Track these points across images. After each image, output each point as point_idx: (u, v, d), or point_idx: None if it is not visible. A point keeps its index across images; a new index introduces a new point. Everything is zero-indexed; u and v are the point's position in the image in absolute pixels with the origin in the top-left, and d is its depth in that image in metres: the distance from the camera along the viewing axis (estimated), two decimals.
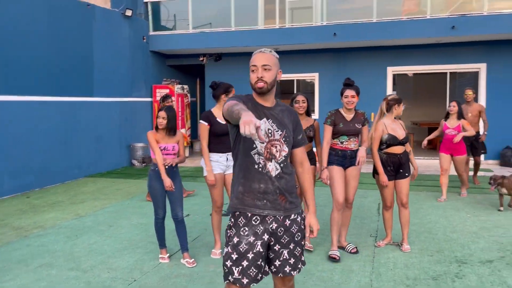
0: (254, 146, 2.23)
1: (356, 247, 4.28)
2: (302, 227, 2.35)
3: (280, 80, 11.05)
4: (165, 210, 4.09)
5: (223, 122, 4.04)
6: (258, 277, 2.24)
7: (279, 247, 2.27)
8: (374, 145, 4.20)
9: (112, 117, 9.94)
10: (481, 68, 10.20)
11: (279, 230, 2.26)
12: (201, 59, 11.84)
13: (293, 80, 11.60)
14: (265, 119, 2.25)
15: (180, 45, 11.14)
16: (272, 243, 2.28)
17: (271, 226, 2.25)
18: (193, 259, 4.02)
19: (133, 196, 7.02)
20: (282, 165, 2.27)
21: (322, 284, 3.53)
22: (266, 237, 2.24)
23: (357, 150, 4.14)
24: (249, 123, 1.78)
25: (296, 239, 2.31)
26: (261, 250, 2.22)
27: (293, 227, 2.30)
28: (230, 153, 4.07)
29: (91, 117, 9.24)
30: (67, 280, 3.69)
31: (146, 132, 10.62)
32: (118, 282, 3.62)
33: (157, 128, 4.00)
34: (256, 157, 2.24)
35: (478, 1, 9.59)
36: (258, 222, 2.24)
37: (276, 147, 2.25)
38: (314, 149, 4.40)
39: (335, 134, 4.08)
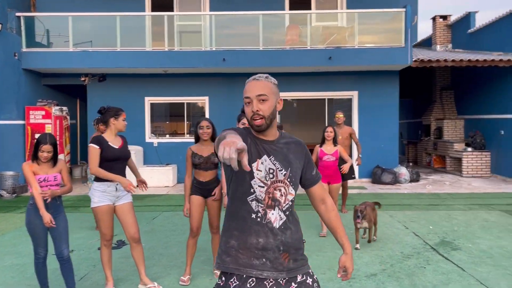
0: (252, 190, 1.83)
1: None
2: None
3: (169, 103, 10.77)
4: (47, 248, 3.66)
5: (116, 146, 3.80)
6: None
7: None
8: None
9: None
10: (354, 95, 11.32)
11: None
12: (82, 79, 11.08)
13: (183, 103, 11.50)
14: (265, 156, 1.86)
15: (58, 64, 10.29)
16: None
17: None
18: None
19: (4, 233, 6.16)
20: (287, 212, 1.87)
21: None
22: None
23: None
24: (230, 145, 1.45)
25: None
26: None
27: None
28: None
29: None
30: None
31: (16, 158, 9.59)
32: None
33: (34, 158, 3.58)
34: (254, 204, 1.83)
35: (350, 36, 10.68)
36: (253, 284, 1.81)
37: (280, 190, 1.85)
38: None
39: None
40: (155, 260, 4.86)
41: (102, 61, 10.31)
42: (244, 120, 4.15)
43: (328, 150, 5.78)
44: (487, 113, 12.00)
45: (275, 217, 1.84)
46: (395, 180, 10.63)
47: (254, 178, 1.84)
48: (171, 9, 11.67)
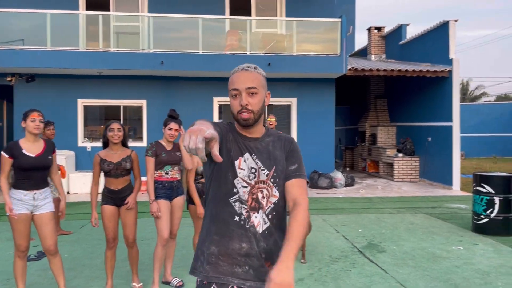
0: (235, 190, 1.68)
1: (182, 280, 4.22)
2: None
3: (104, 106, 10.36)
4: None
5: (32, 155, 3.56)
6: None
7: None
8: (190, 176, 4.17)
9: None
10: (292, 101, 11.53)
11: None
12: (8, 79, 10.39)
13: (119, 107, 11.12)
14: (247, 154, 1.71)
15: None
16: None
17: None
18: None
19: None
20: (270, 216, 1.70)
21: None
22: None
23: (181, 180, 4.15)
24: (196, 133, 1.29)
25: None
26: None
27: None
28: (39, 191, 3.61)
29: None
30: None
31: None
32: None
33: None
34: (237, 205, 1.67)
35: (289, 43, 10.88)
36: None
37: (262, 192, 1.69)
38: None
39: (159, 165, 4.00)
40: (78, 271, 4.61)
41: (31, 60, 9.73)
42: (171, 125, 4.05)
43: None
44: (417, 120, 12.70)
45: (258, 221, 1.67)
46: (331, 185, 10.94)
47: (237, 177, 1.68)
48: (107, 9, 11.28)
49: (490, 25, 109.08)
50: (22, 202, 3.54)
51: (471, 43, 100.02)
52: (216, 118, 11.32)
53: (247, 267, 1.65)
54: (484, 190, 6.25)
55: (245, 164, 1.69)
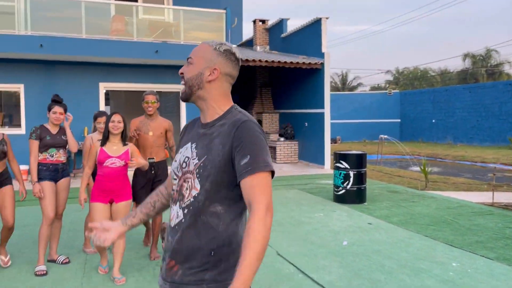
0: (175, 178, 1.60)
1: (68, 257, 4.45)
2: None
3: None
4: None
5: None
6: None
7: None
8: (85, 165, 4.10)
9: None
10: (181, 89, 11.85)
11: None
12: None
13: None
14: (189, 144, 1.58)
15: None
16: None
17: None
18: None
19: None
20: (186, 210, 1.50)
21: None
22: None
23: (67, 162, 4.35)
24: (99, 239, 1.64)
25: None
26: None
27: None
28: None
29: None
30: None
31: None
32: None
33: None
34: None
35: (177, 31, 11.16)
36: None
37: (188, 182, 1.51)
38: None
39: (43, 148, 4.15)
40: None
41: None
42: (55, 109, 4.20)
43: (113, 151, 3.93)
44: (296, 107, 13.97)
45: (173, 214, 1.54)
46: None
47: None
48: None
49: (363, 21, 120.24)
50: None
51: (349, 37, 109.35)
52: (102, 104, 11.18)
53: (164, 262, 1.56)
54: (342, 166, 7.40)
55: (179, 155, 1.59)
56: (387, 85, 39.53)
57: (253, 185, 1.39)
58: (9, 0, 10.03)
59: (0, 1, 10.11)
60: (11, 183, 4.13)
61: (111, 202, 3.93)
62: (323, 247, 4.96)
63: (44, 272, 4.06)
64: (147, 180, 4.46)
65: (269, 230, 1.36)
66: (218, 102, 1.57)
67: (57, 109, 4.20)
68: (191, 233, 1.47)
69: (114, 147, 3.92)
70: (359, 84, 42.29)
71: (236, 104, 1.62)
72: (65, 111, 4.27)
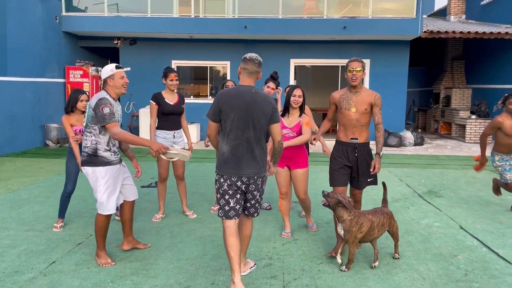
0: None
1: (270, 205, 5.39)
2: None
3: (193, 67, 11.83)
4: (74, 186, 4.49)
5: (171, 102, 4.78)
6: None
7: None
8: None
9: (26, 97, 9.87)
10: (366, 63, 12.06)
11: None
12: (115, 42, 12.06)
13: (206, 67, 12.43)
14: None
15: (95, 28, 11.27)
16: None
17: None
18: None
19: (60, 174, 7.37)
20: None
21: None
22: None
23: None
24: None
25: None
26: None
27: None
28: (177, 131, 4.86)
29: (4, 96, 9.13)
30: (28, 238, 4.23)
31: (59, 113, 10.78)
32: (77, 237, 4.26)
33: (70, 110, 4.36)
34: None
35: (365, 7, 11.32)
36: None
37: None
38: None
39: None
40: (189, 195, 5.99)
41: (134, 25, 11.24)
42: (270, 84, 5.03)
43: (288, 122, 4.20)
44: (493, 83, 12.64)
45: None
46: (400, 143, 11.53)
47: None
48: None
49: None
50: (165, 140, 4.78)
51: None
52: (292, 78, 12.24)
53: None
54: None
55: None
56: None
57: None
58: None
59: None
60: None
61: (288, 167, 4.30)
62: None
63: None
64: (347, 162, 3.84)
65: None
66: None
67: (271, 84, 5.02)
68: None
69: (290, 118, 4.22)
70: None
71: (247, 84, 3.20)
72: (277, 86, 5.06)
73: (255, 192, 3.16)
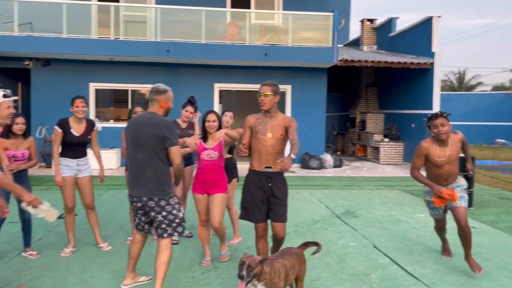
0: None
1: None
2: None
3: (113, 90, 11.36)
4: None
5: (77, 134, 4.47)
6: None
7: None
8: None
9: None
10: (287, 89, 12.49)
11: None
12: (26, 63, 11.30)
13: (127, 90, 12.07)
14: None
15: (3, 48, 10.48)
16: None
17: None
18: (36, 252, 4.43)
19: None
20: None
21: None
22: None
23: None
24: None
25: None
26: None
27: None
28: (81, 159, 4.56)
29: None
30: None
31: None
32: None
33: (7, 133, 4.22)
34: None
35: (285, 35, 11.79)
36: None
37: None
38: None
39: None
40: (105, 225, 5.66)
41: (48, 46, 10.64)
42: (188, 108, 5.01)
43: (209, 144, 4.25)
44: (403, 108, 13.70)
45: None
46: (321, 165, 11.98)
47: None
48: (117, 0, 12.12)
49: (490, 14, 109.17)
50: (69, 167, 4.50)
51: (472, 32, 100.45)
52: (216, 103, 12.29)
53: None
54: None
55: None
56: None
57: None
58: (142, 11, 11.58)
59: (136, 13, 11.72)
60: None
61: (208, 193, 4.22)
62: (420, 245, 5.10)
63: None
64: (262, 193, 3.64)
65: None
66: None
67: (189, 108, 4.99)
68: None
69: (210, 141, 4.25)
70: (479, 84, 38.97)
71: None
72: (195, 110, 5.05)
73: (156, 214, 3.34)
